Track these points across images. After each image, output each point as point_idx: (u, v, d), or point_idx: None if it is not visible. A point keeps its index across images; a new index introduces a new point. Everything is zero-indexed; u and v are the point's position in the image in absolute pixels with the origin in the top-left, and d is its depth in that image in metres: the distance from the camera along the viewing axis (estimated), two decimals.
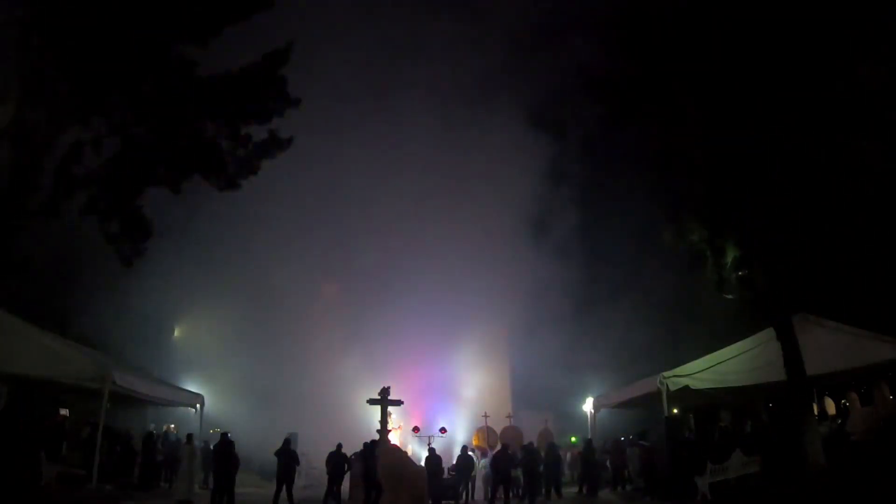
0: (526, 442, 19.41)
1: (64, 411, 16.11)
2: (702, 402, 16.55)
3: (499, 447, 21.22)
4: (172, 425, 20.97)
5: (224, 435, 14.83)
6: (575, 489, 18.54)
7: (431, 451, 17.31)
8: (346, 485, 16.37)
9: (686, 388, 14.63)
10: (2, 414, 7.07)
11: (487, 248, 25.18)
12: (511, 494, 16.29)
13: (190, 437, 16.90)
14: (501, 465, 16.13)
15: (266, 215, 23.69)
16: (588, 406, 20.41)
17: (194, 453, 16.34)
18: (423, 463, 17.27)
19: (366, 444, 15.19)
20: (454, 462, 18.53)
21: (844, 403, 13.41)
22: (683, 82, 11.54)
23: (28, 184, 10.30)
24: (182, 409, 20.38)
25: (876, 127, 9.74)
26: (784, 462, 11.30)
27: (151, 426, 19.82)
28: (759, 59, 10.73)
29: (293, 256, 24.29)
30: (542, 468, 17.71)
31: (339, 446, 17.10)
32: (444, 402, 25.33)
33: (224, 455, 14.26)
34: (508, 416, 24.59)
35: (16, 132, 10.00)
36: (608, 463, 19.13)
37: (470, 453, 18.67)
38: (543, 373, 25.03)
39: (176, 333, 27.07)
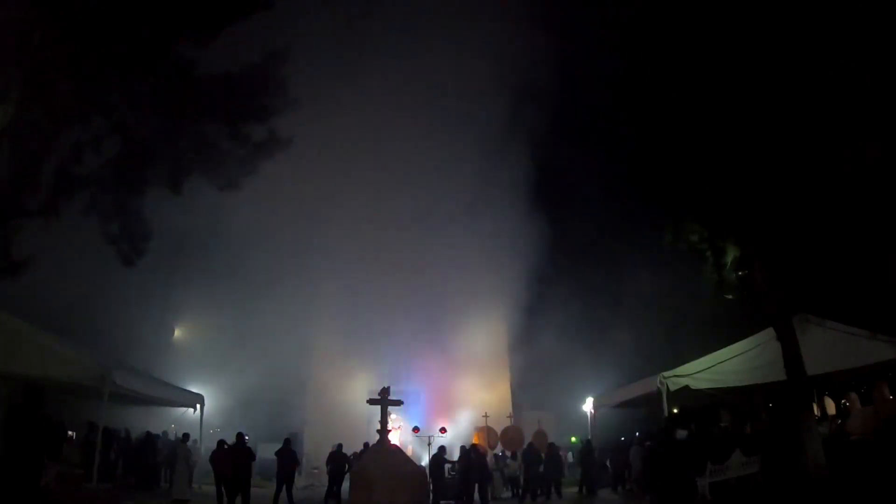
0: (526, 442, 19.44)
1: (71, 432, 16.05)
2: (702, 402, 16.54)
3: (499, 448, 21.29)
4: (172, 425, 20.99)
5: (240, 435, 14.91)
6: (575, 489, 18.54)
7: (441, 449, 17.33)
8: (346, 485, 16.38)
9: (686, 388, 14.62)
10: (10, 413, 7.10)
11: (488, 249, 25.18)
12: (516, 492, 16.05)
13: (186, 436, 16.94)
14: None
15: (265, 215, 23.70)
16: (588, 406, 20.41)
17: (189, 453, 16.36)
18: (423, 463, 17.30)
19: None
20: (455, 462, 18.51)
21: (844, 403, 13.37)
22: (684, 80, 11.53)
23: (28, 184, 10.31)
24: (182, 409, 20.38)
25: (876, 127, 9.73)
26: (784, 462, 11.28)
27: (149, 427, 19.82)
28: (759, 58, 10.73)
29: (293, 256, 24.31)
30: (541, 468, 17.74)
31: (340, 446, 17.12)
32: (444, 402, 25.34)
33: (242, 454, 14.37)
34: (509, 416, 24.59)
35: (16, 132, 10.00)
36: (608, 463, 19.13)
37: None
38: (543, 373, 25.04)
39: (176, 333, 27.10)
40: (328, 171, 24.27)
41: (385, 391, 14.68)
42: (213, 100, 11.43)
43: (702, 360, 15.03)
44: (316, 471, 21.79)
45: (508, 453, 19.57)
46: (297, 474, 16.22)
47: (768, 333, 12.83)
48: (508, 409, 25.76)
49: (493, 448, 21.35)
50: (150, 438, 17.55)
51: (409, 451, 20.81)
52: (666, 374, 14.76)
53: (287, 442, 15.69)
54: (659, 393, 14.76)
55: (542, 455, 18.07)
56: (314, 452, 22.40)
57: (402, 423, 23.41)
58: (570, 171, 26.99)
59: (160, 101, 11.05)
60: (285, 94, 11.79)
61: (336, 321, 25.18)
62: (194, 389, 20.82)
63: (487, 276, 25.15)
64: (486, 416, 23.42)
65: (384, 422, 14.19)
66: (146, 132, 11.17)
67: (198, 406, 19.71)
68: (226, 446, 14.79)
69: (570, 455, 22.08)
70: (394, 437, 19.31)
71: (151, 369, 19.99)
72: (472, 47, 26.06)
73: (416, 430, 22.16)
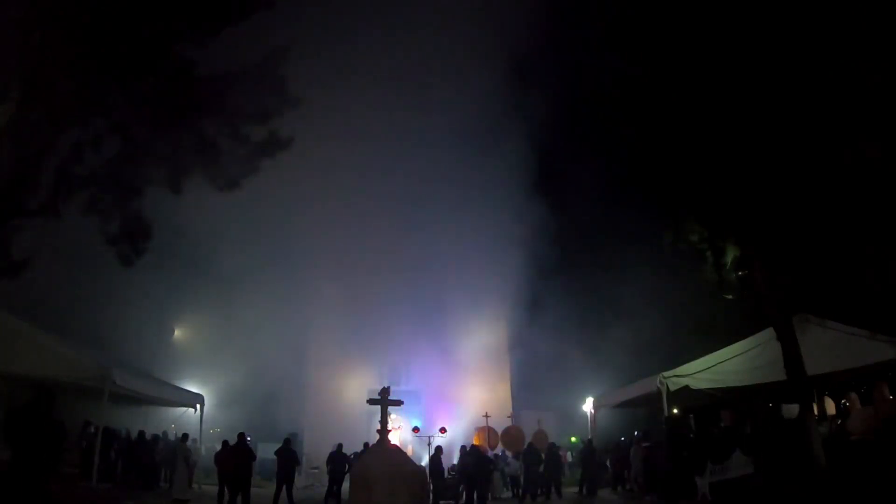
0: (526, 442, 19.42)
1: (84, 442, 16.04)
2: (702, 402, 16.55)
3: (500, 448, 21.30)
4: (172, 425, 21.02)
5: (241, 435, 14.89)
6: (575, 489, 18.54)
7: (438, 449, 17.36)
8: (346, 485, 16.38)
9: (686, 388, 14.62)
10: (16, 414, 7.12)
11: (489, 248, 25.18)
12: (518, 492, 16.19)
13: (185, 436, 16.96)
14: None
15: (265, 215, 23.71)
16: (588, 406, 20.41)
17: (189, 453, 16.38)
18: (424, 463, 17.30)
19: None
20: (454, 462, 18.52)
21: (844, 403, 13.36)
22: (684, 80, 11.52)
23: (28, 184, 10.29)
24: (182, 409, 20.39)
25: (876, 127, 9.73)
26: (784, 462, 11.28)
27: (149, 427, 19.82)
28: (760, 58, 10.72)
29: (292, 255, 24.31)
30: (541, 468, 17.74)
31: (340, 446, 17.14)
32: (444, 402, 25.35)
33: (242, 454, 14.38)
34: (509, 416, 24.59)
35: (16, 132, 9.98)
36: (608, 463, 19.13)
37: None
38: (543, 373, 25.05)
39: (176, 333, 27.12)
40: (327, 169, 24.28)
41: (385, 391, 14.67)
42: (213, 100, 11.41)
43: (702, 360, 15.04)
44: (316, 471, 21.80)
45: (509, 453, 19.57)
46: (297, 474, 16.23)
47: (768, 333, 12.82)
48: (508, 409, 25.78)
49: (493, 448, 21.35)
50: (143, 438, 17.53)
51: (409, 451, 20.81)
52: (666, 374, 14.77)
53: (287, 442, 15.71)
54: (659, 393, 14.76)
55: (542, 455, 18.08)
56: (314, 452, 22.41)
57: (402, 423, 23.42)
58: (571, 170, 27.03)
59: (160, 101, 11.02)
60: (285, 93, 11.77)
61: (336, 321, 25.19)
62: (194, 389, 20.84)
63: (488, 276, 25.16)
64: (486, 416, 23.43)
65: (384, 422, 14.18)
66: (146, 132, 11.14)
67: (198, 406, 19.72)
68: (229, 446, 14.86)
69: (569, 455, 22.10)
70: (394, 437, 19.31)
71: (151, 369, 20.00)
72: (472, 45, 26.11)
73: (416, 430, 22.16)
